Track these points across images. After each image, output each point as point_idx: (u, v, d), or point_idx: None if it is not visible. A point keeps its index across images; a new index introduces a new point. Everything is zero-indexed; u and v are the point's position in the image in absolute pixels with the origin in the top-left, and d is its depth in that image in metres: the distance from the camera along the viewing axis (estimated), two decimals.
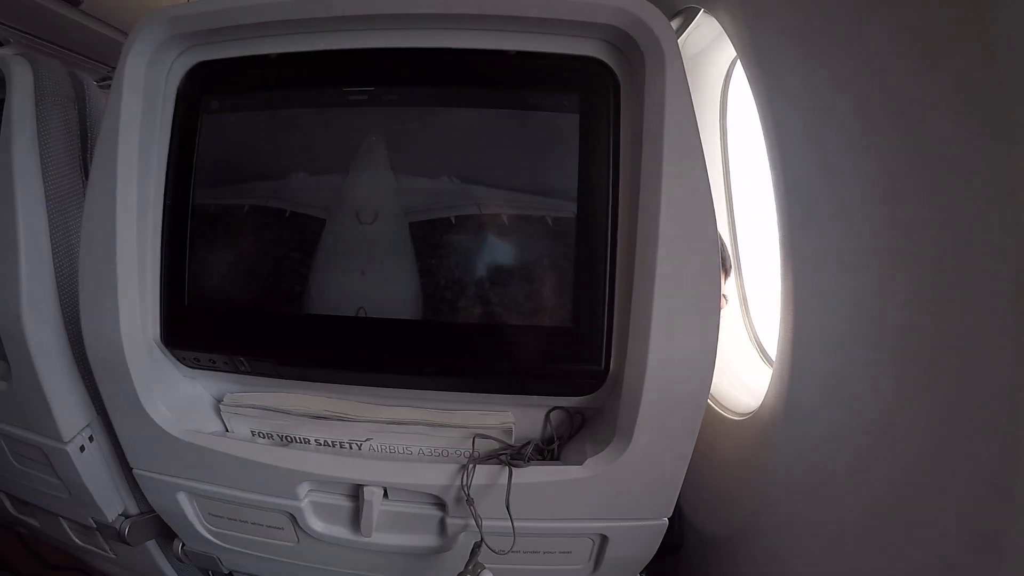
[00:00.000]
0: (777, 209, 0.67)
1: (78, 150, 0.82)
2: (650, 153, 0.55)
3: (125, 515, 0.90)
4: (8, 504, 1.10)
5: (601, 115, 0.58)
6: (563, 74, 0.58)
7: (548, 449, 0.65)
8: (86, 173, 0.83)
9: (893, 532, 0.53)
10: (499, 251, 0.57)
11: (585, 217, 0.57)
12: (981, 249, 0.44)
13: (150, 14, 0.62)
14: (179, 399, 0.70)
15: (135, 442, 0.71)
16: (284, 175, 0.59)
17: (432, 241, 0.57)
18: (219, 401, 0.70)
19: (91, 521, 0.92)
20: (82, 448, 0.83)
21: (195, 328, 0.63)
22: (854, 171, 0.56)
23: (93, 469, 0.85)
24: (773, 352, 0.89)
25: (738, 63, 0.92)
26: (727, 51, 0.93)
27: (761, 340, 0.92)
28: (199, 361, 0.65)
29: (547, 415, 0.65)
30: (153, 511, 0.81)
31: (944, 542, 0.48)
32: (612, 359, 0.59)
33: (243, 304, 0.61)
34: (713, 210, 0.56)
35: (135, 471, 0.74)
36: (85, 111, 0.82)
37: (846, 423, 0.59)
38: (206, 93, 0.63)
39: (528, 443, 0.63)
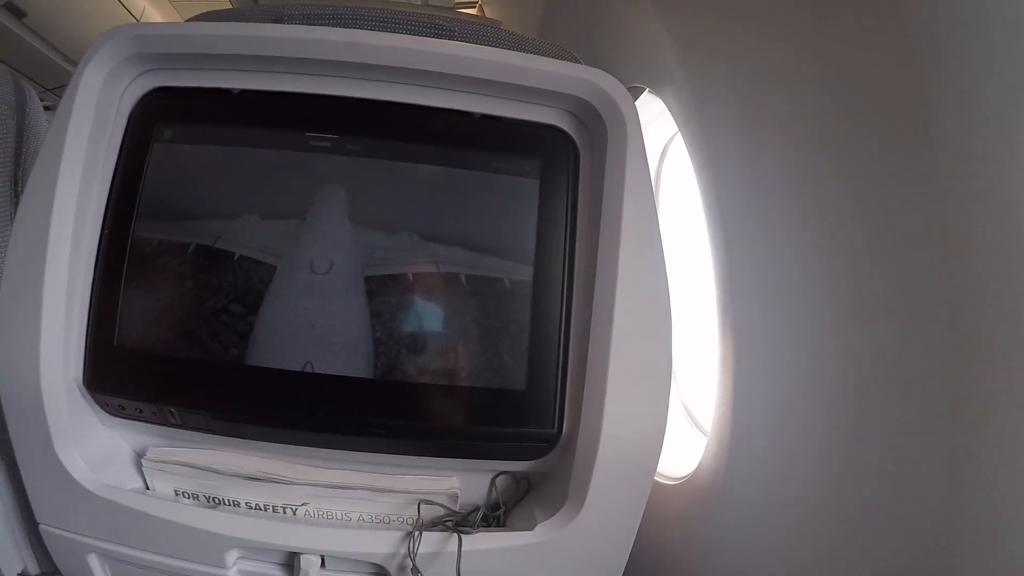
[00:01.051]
0: (716, 278, 0.68)
1: (11, 164, 0.74)
2: (609, 223, 0.54)
3: (24, 575, 0.78)
4: None
5: (560, 182, 0.56)
6: (525, 140, 0.57)
7: (494, 516, 0.60)
8: (15, 189, 0.75)
9: None
10: (455, 310, 0.54)
11: (541, 281, 0.55)
12: (926, 313, 0.44)
13: (116, 28, 0.57)
14: (97, 450, 0.61)
15: (44, 494, 0.62)
16: (236, 216, 0.54)
17: (387, 296, 0.53)
18: (141, 455, 0.62)
19: None
20: None
21: (123, 372, 0.56)
22: (792, 242, 0.57)
23: None
24: (701, 417, 0.89)
25: (675, 140, 0.95)
26: (665, 128, 0.95)
27: (688, 405, 0.92)
28: (124, 409, 0.57)
29: (493, 480, 0.61)
30: (57, 572, 0.71)
31: None
32: (564, 423, 0.56)
33: (179, 350, 0.55)
34: (667, 283, 0.55)
35: (41, 526, 0.64)
36: (24, 123, 0.75)
37: (785, 488, 0.58)
38: (160, 120, 0.58)
39: (476, 509, 0.58)
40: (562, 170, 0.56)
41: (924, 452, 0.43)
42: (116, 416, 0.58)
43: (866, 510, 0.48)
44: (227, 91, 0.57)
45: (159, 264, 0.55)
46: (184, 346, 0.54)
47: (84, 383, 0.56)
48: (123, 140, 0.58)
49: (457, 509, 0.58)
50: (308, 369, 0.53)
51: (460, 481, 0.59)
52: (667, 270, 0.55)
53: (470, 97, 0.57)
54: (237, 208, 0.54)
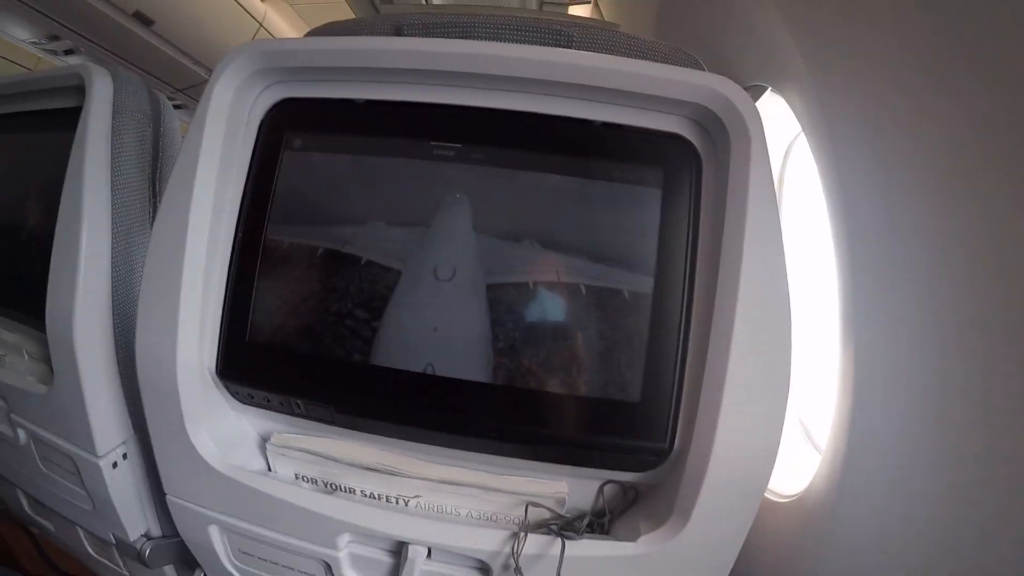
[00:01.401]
0: (839, 286, 0.64)
1: (148, 168, 0.79)
2: (731, 235, 0.53)
3: (147, 536, 0.85)
4: (25, 503, 1.05)
5: (682, 191, 0.55)
6: (647, 148, 0.56)
7: (599, 523, 0.60)
8: (153, 192, 0.80)
9: None
10: (574, 321, 0.54)
11: (661, 293, 0.54)
12: None
13: (242, 46, 0.60)
14: (225, 432, 0.66)
15: (174, 469, 0.67)
16: (362, 222, 0.56)
17: (508, 304, 0.54)
18: (265, 439, 0.66)
19: (111, 536, 0.87)
20: (115, 464, 0.79)
21: (254, 364, 0.59)
22: (921, 248, 0.54)
23: (123, 487, 0.81)
24: (815, 432, 0.85)
25: (798, 140, 0.90)
26: (787, 128, 0.91)
27: (803, 419, 0.88)
28: (252, 398, 0.61)
29: (600, 488, 0.61)
30: (177, 536, 0.77)
31: None
32: (677, 437, 0.55)
33: (307, 346, 0.57)
34: (789, 297, 0.53)
35: (168, 497, 0.69)
36: (160, 130, 0.80)
37: (906, 508, 0.55)
38: (289, 129, 0.60)
39: (583, 516, 0.59)
40: (684, 179, 0.55)
41: None
42: (245, 404, 0.62)
43: (1000, 533, 0.45)
44: (351, 101, 0.59)
45: (290, 265, 0.57)
46: (311, 344, 0.57)
47: (217, 373, 0.60)
48: (254, 148, 0.62)
49: (564, 513, 0.59)
50: (429, 371, 0.54)
51: (568, 486, 0.60)
52: (789, 283, 0.53)
53: (590, 105, 0.56)
54: (364, 214, 0.56)
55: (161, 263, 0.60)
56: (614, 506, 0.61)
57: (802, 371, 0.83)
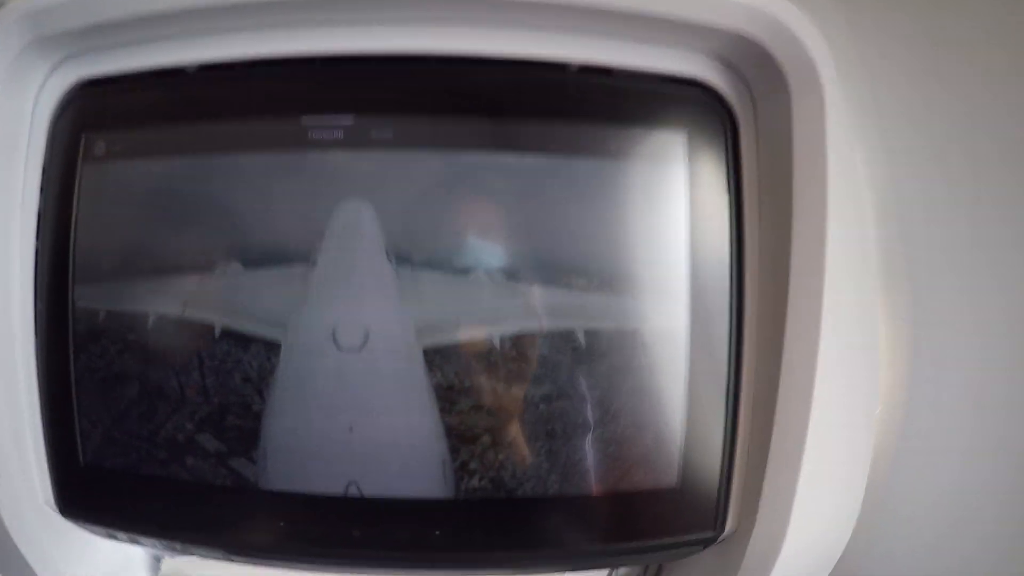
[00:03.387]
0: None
1: None
2: (806, 239, 0.29)
3: None
4: None
5: (713, 169, 0.31)
6: (653, 102, 0.31)
7: None
8: None
9: None
10: (571, 387, 0.30)
11: (699, 327, 0.30)
12: None
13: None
14: (100, 566, 0.42)
15: None
16: (208, 267, 0.31)
17: (463, 378, 0.30)
18: (159, 559, 0.43)
19: None
20: None
21: (101, 497, 0.35)
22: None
23: None
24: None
25: None
26: None
27: None
28: (116, 537, 0.37)
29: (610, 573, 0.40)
30: None
31: None
32: (729, 518, 0.33)
33: (166, 467, 0.33)
34: (878, 322, 0.32)
35: None
36: None
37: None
38: (89, 128, 0.33)
39: None
40: (714, 149, 0.31)
41: None
42: (111, 539, 0.38)
43: None
44: (179, 71, 0.32)
45: (113, 346, 0.32)
46: (170, 464, 0.32)
47: (58, 508, 0.36)
48: (44, 165, 0.35)
49: None
50: (353, 493, 0.30)
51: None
52: (876, 304, 0.31)
53: (561, 39, 0.30)
54: (209, 254, 0.30)
55: None
56: None
57: None
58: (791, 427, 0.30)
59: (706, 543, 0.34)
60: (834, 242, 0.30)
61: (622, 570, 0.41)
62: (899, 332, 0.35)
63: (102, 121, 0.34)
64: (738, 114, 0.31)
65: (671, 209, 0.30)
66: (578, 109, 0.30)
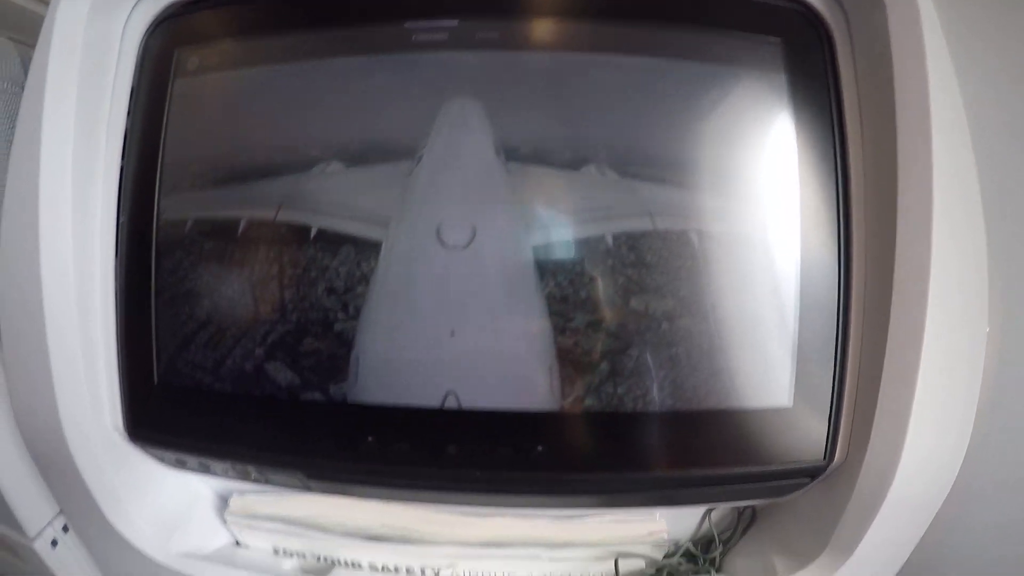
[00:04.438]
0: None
1: None
2: (912, 152, 0.27)
3: None
4: None
5: (816, 80, 0.29)
6: (749, 13, 0.29)
7: (707, 559, 0.36)
8: None
9: None
10: (684, 292, 0.27)
11: (810, 236, 0.28)
12: None
13: None
14: (165, 503, 0.38)
15: (108, 561, 0.40)
16: (307, 166, 0.28)
17: (573, 278, 0.27)
18: (225, 499, 0.40)
19: None
20: (54, 543, 0.51)
21: (174, 418, 0.32)
22: None
23: (71, 566, 0.53)
24: None
25: None
26: None
27: None
28: (185, 463, 0.34)
29: (707, 512, 0.36)
30: None
31: None
32: (839, 449, 0.30)
33: (247, 383, 0.30)
34: (984, 241, 0.29)
35: None
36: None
37: None
38: (182, 44, 0.31)
39: (691, 556, 0.34)
40: (814, 61, 0.29)
41: None
42: (178, 468, 0.35)
43: None
44: None
45: (202, 257, 0.29)
46: (253, 378, 0.29)
47: (126, 432, 0.33)
48: (134, 86, 0.33)
49: (666, 558, 0.34)
50: (451, 404, 0.27)
51: (669, 519, 0.35)
52: (982, 221, 0.28)
53: None
54: (307, 154, 0.28)
55: (15, 279, 0.32)
56: (726, 533, 0.36)
57: None
58: (904, 349, 0.27)
59: (815, 473, 0.30)
60: (940, 153, 0.28)
61: (716, 516, 0.38)
62: (1008, 250, 0.32)
63: (197, 36, 0.32)
64: (832, 28, 0.29)
65: (773, 115, 0.28)
66: (679, 13, 0.28)
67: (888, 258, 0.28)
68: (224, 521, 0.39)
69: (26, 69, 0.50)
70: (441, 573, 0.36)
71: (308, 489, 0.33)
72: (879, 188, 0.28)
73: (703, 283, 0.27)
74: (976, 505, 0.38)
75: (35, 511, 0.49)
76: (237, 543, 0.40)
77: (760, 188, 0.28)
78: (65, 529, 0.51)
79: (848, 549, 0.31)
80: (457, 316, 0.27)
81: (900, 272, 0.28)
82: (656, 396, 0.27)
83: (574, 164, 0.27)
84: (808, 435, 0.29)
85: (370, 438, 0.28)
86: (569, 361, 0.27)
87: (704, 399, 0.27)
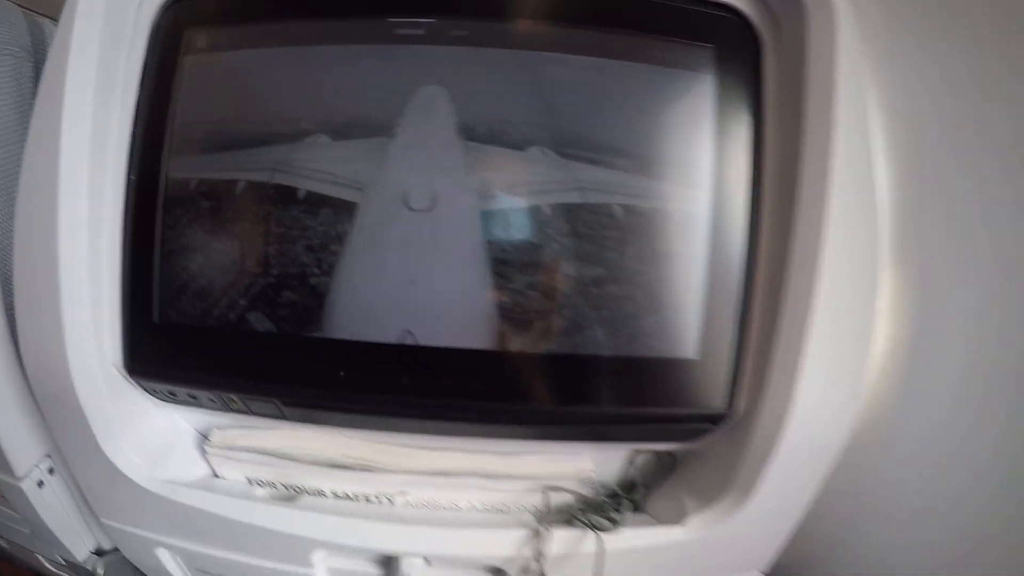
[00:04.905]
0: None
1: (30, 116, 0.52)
2: (815, 142, 0.32)
3: (99, 552, 0.61)
4: None
5: (741, 79, 0.34)
6: (690, 19, 0.34)
7: (631, 499, 0.41)
8: None
9: None
10: (607, 255, 0.32)
11: (721, 213, 0.33)
12: None
13: None
14: (151, 438, 0.42)
15: (98, 490, 0.44)
16: (297, 138, 0.33)
17: (514, 239, 0.32)
18: (204, 436, 0.44)
19: (59, 559, 0.62)
20: (40, 483, 0.54)
21: (169, 354, 0.36)
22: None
23: (55, 506, 0.56)
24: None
25: None
26: None
27: None
28: (174, 395, 0.38)
29: (630, 457, 0.42)
30: None
31: None
32: (739, 397, 0.36)
33: (235, 322, 0.34)
34: (877, 219, 0.34)
35: (102, 520, 0.46)
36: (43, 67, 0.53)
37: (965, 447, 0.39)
38: (192, 23, 0.36)
39: (614, 496, 0.39)
40: (742, 64, 0.34)
41: None
42: (168, 402, 0.39)
43: None
44: None
45: (202, 213, 0.34)
46: (241, 317, 0.34)
47: (125, 369, 0.37)
48: (146, 57, 0.37)
49: (593, 494, 0.40)
50: (408, 341, 0.32)
51: (597, 461, 0.40)
52: (875, 206, 0.33)
53: None
54: (299, 127, 0.33)
55: (32, 227, 0.36)
56: (648, 477, 0.42)
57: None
58: (798, 312, 0.33)
59: (718, 420, 0.36)
60: (840, 149, 0.32)
61: (640, 462, 0.43)
62: (905, 235, 0.37)
63: (203, 16, 0.36)
64: (762, 34, 0.35)
65: (698, 111, 0.33)
66: (626, 19, 0.33)
67: (788, 234, 0.33)
68: (204, 453, 0.43)
69: (33, 36, 0.54)
70: (395, 500, 0.40)
71: (283, 417, 0.37)
72: (786, 174, 0.33)
73: (625, 250, 0.33)
74: (889, 487, 0.44)
75: (25, 453, 0.52)
76: (215, 475, 0.43)
77: (681, 171, 0.33)
78: (51, 471, 0.54)
79: (749, 489, 0.36)
80: (418, 266, 0.32)
81: (798, 245, 0.33)
82: (581, 343, 0.32)
83: (521, 145, 0.32)
84: (712, 384, 0.34)
85: (337, 369, 0.33)
86: (508, 310, 0.32)
87: (622, 347, 0.33)
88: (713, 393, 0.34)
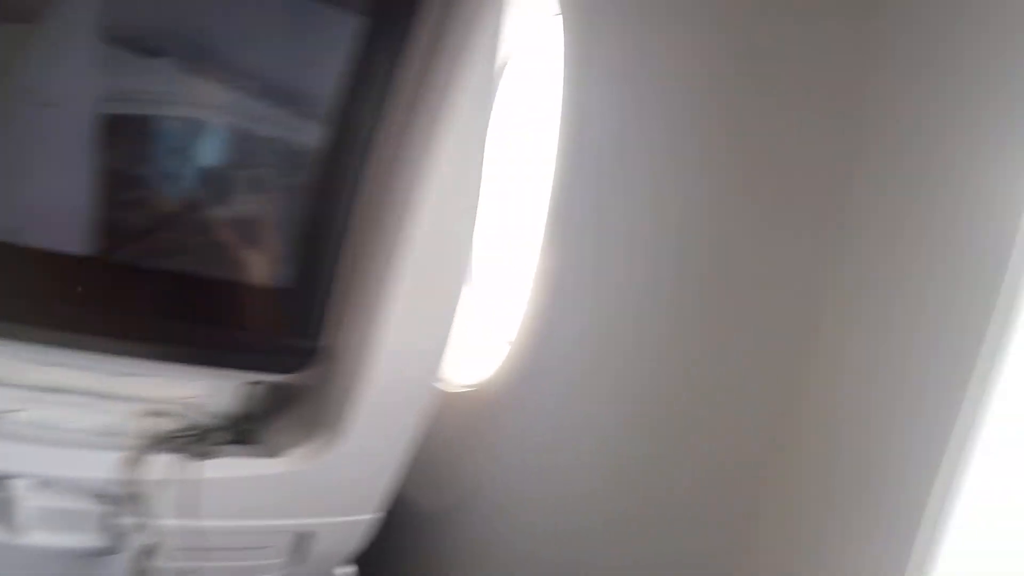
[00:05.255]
0: (556, 193, 0.47)
1: None
2: (435, 99, 0.34)
3: None
4: None
5: (389, 30, 0.35)
6: None
7: (242, 430, 0.40)
8: None
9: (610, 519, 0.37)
10: (214, 174, 0.33)
11: (332, 152, 0.34)
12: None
13: None
14: None
15: None
16: None
17: (128, 145, 0.32)
18: None
19: None
20: None
21: None
22: (652, 166, 0.39)
23: None
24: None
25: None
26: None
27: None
28: None
29: (243, 388, 0.41)
30: None
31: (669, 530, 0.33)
32: (331, 333, 0.37)
33: None
34: (481, 184, 0.37)
35: None
36: None
37: (573, 406, 0.42)
38: None
39: (219, 427, 0.39)
40: (397, 14, 0.35)
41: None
42: None
43: (663, 438, 0.34)
44: None
45: None
46: None
47: None
48: None
49: (200, 422, 0.38)
50: (9, 239, 0.31)
51: (205, 388, 0.39)
52: (482, 173, 0.37)
53: None
54: None
55: None
56: (261, 410, 0.41)
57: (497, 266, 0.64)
58: (387, 253, 0.34)
59: (309, 354, 0.36)
60: (456, 108, 0.34)
61: (254, 393, 0.41)
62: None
63: None
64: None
65: (343, 51, 0.34)
66: None
67: (389, 184, 0.35)
68: None
69: None
70: (5, 418, 0.36)
71: None
72: (409, 121, 0.35)
73: (233, 169, 0.34)
74: (521, 442, 0.46)
75: None
76: None
77: (305, 102, 0.34)
78: None
79: (339, 426, 0.37)
80: (33, 163, 0.31)
81: (397, 186, 0.34)
82: (180, 261, 0.33)
83: (153, 52, 0.32)
84: (298, 316, 0.35)
85: None
86: (110, 219, 0.32)
87: (216, 266, 0.33)
88: (301, 325, 0.35)
